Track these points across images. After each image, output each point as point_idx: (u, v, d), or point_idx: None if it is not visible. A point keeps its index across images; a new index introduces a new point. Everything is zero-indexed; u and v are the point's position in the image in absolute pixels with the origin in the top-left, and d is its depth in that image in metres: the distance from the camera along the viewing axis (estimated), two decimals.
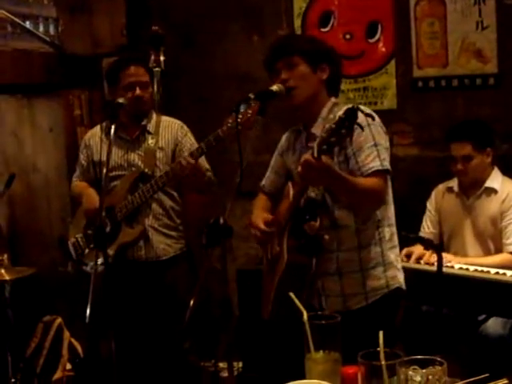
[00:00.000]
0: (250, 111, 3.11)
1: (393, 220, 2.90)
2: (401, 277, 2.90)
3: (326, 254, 2.79)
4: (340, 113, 2.54)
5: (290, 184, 2.92)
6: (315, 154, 2.46)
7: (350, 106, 2.52)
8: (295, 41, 2.97)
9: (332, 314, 1.89)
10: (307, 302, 2.48)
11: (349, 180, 2.62)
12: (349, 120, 2.43)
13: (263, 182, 3.22)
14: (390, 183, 2.82)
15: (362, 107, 2.52)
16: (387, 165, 2.72)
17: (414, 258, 3.69)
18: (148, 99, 3.77)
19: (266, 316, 2.73)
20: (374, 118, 2.64)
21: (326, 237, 2.76)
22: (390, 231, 2.86)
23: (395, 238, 2.91)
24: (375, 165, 2.69)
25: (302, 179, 2.64)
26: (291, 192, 2.85)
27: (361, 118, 2.58)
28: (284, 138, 3.10)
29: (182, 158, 3.56)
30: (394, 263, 2.87)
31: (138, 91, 3.68)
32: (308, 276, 2.79)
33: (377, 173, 2.70)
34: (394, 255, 2.88)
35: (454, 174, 3.89)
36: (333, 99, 2.90)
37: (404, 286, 2.91)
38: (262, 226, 2.92)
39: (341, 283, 2.82)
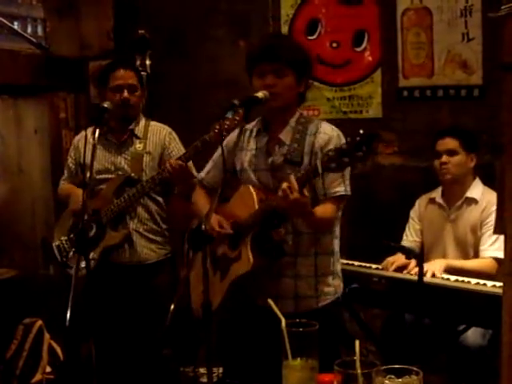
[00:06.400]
0: (237, 118, 3.12)
1: (338, 232, 3.03)
2: (341, 287, 3.06)
3: (283, 258, 2.89)
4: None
5: (251, 188, 2.93)
6: (319, 170, 2.52)
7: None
8: (290, 51, 2.90)
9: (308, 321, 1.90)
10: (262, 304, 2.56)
11: (312, 215, 2.75)
12: (367, 144, 2.43)
13: (202, 175, 3.23)
14: None
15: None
16: (349, 191, 2.87)
17: (394, 266, 3.69)
18: (135, 103, 3.77)
19: (199, 315, 2.62)
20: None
21: (290, 243, 2.88)
22: (338, 243, 3.02)
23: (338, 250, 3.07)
24: (340, 190, 2.84)
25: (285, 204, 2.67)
26: (255, 198, 2.87)
27: (340, 139, 2.82)
28: (232, 135, 3.09)
29: (171, 160, 3.57)
30: (339, 274, 3.05)
31: (125, 94, 3.70)
32: (265, 279, 2.90)
33: (339, 197, 2.85)
34: (339, 266, 3.06)
35: (435, 171, 3.88)
36: (298, 109, 3.00)
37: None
38: (229, 229, 2.91)
39: (295, 286, 2.93)
